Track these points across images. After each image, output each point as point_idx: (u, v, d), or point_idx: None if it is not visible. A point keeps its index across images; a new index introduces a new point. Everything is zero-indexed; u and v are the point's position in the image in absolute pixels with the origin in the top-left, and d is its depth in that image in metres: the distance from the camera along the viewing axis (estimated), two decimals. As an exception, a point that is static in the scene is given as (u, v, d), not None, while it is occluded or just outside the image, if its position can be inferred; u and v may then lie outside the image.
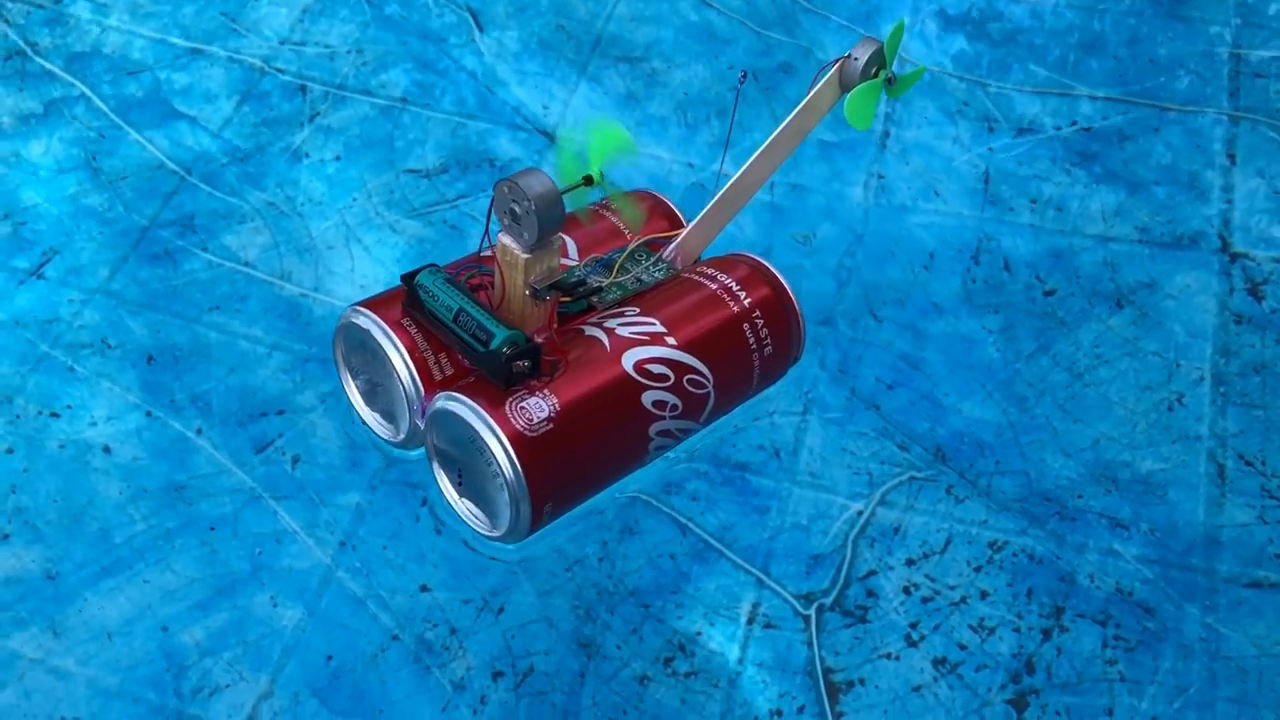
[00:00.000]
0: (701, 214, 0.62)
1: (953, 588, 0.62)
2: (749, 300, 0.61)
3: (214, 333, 0.72)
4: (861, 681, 0.59)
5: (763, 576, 0.63)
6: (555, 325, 0.59)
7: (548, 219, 0.55)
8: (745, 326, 0.60)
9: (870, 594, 0.62)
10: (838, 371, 0.71)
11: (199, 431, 0.67)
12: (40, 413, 0.68)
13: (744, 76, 0.69)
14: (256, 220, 0.78)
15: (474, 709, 0.58)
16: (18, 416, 0.67)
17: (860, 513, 0.65)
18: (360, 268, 0.76)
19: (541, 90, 0.87)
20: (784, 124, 0.61)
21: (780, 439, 0.68)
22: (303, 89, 0.85)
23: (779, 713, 0.58)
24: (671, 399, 0.58)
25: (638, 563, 0.63)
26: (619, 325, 0.59)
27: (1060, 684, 0.59)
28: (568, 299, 0.59)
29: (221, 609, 0.61)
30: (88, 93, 0.84)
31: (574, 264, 0.63)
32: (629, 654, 0.60)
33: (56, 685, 0.58)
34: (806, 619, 0.61)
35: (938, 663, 0.59)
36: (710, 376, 0.59)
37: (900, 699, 0.58)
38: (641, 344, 0.58)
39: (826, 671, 0.59)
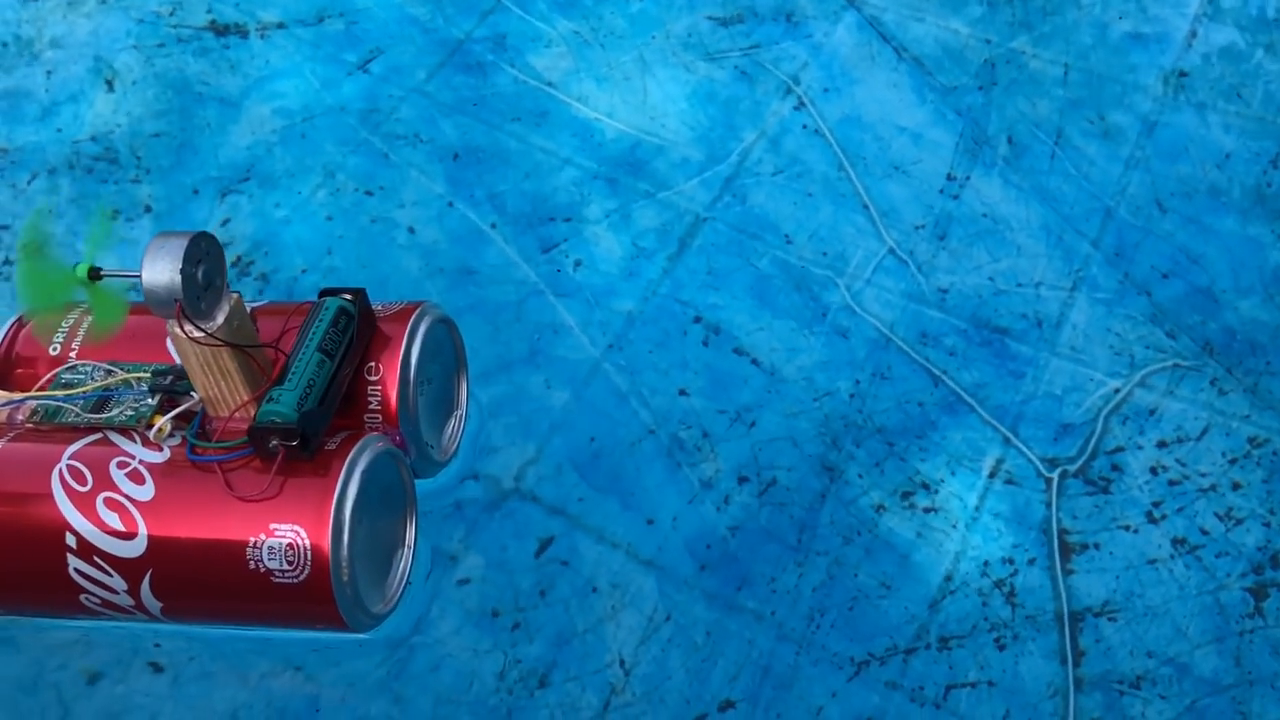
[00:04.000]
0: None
1: (1203, 475, 0.62)
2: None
3: (514, 141, 0.77)
4: (1096, 546, 0.60)
5: (1010, 435, 0.64)
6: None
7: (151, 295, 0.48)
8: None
9: (1116, 468, 0.62)
10: (1113, 254, 0.70)
11: (493, 226, 0.73)
12: (357, 189, 0.74)
13: None
14: (562, 46, 0.82)
15: (718, 506, 0.62)
16: (338, 190, 0.74)
17: (1117, 390, 0.65)
18: (651, 100, 0.79)
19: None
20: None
21: (1044, 310, 0.68)
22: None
23: (1010, 561, 0.60)
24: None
25: (887, 404, 0.65)
26: None
27: (1301, 586, 0.59)
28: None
29: (500, 382, 0.67)
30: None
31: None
32: (869, 484, 0.63)
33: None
34: (1048, 481, 0.62)
35: (1177, 542, 0.60)
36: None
37: (1134, 568, 0.59)
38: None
39: (1062, 532, 0.61)
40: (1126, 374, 0.66)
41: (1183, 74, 0.80)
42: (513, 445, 0.64)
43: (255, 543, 0.49)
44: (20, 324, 0.57)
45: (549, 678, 0.56)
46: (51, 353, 0.56)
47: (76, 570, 0.50)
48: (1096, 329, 0.68)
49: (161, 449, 0.51)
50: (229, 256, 0.70)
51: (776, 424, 0.65)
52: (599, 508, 0.62)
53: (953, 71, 0.82)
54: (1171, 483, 0.62)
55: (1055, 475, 0.62)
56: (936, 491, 0.62)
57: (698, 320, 0.69)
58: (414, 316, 0.56)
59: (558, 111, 0.79)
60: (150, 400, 0.53)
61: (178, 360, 0.52)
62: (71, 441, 0.52)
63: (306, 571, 0.48)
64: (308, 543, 0.48)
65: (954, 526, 0.61)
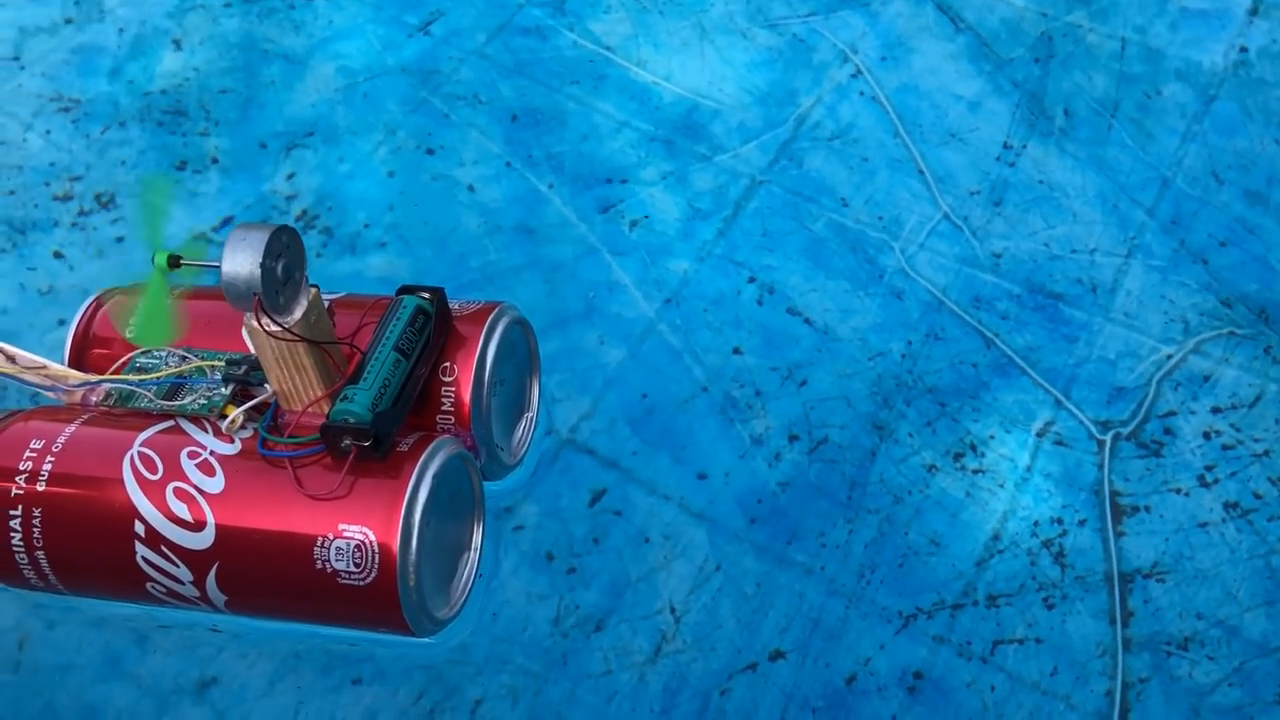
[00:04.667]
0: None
1: (1257, 440, 0.62)
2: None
3: (572, 103, 0.78)
4: (1147, 509, 0.60)
5: (1062, 398, 0.64)
6: None
7: (230, 289, 0.47)
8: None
9: (1168, 431, 0.63)
10: (1169, 223, 0.70)
11: (550, 186, 0.74)
12: (418, 148, 0.76)
13: None
14: (620, 11, 0.83)
15: (769, 462, 0.63)
16: (399, 148, 0.76)
17: (1170, 356, 0.65)
18: (709, 65, 0.80)
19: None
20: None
21: (1099, 276, 0.68)
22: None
23: (1059, 521, 0.60)
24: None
25: (939, 364, 0.66)
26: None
27: (1352, 554, 0.59)
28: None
29: (555, 338, 0.68)
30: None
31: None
32: (920, 444, 0.63)
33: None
34: (1100, 443, 0.63)
35: (1229, 506, 0.60)
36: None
37: (1184, 531, 0.59)
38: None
39: (1113, 493, 0.61)
40: (1180, 340, 0.66)
41: (1243, 49, 0.80)
42: (568, 399, 0.65)
43: (323, 542, 0.48)
44: (98, 304, 0.57)
45: (604, 623, 0.58)
46: (127, 336, 0.55)
47: (144, 559, 0.50)
48: (1151, 295, 0.68)
49: (233, 441, 0.51)
50: (294, 210, 0.72)
51: (829, 383, 0.66)
52: (651, 461, 0.63)
53: (1009, 44, 0.82)
54: (1225, 447, 0.62)
55: (1107, 438, 0.63)
56: (986, 453, 0.63)
57: (752, 280, 0.70)
58: (490, 317, 0.55)
59: (616, 75, 0.80)
60: (223, 390, 0.52)
61: (252, 350, 0.51)
62: (144, 428, 0.51)
63: (374, 574, 0.48)
64: (376, 545, 0.47)
65: (1003, 486, 0.61)
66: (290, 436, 0.50)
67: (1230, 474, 0.61)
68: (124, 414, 0.53)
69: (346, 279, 0.69)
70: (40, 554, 0.51)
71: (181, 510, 0.49)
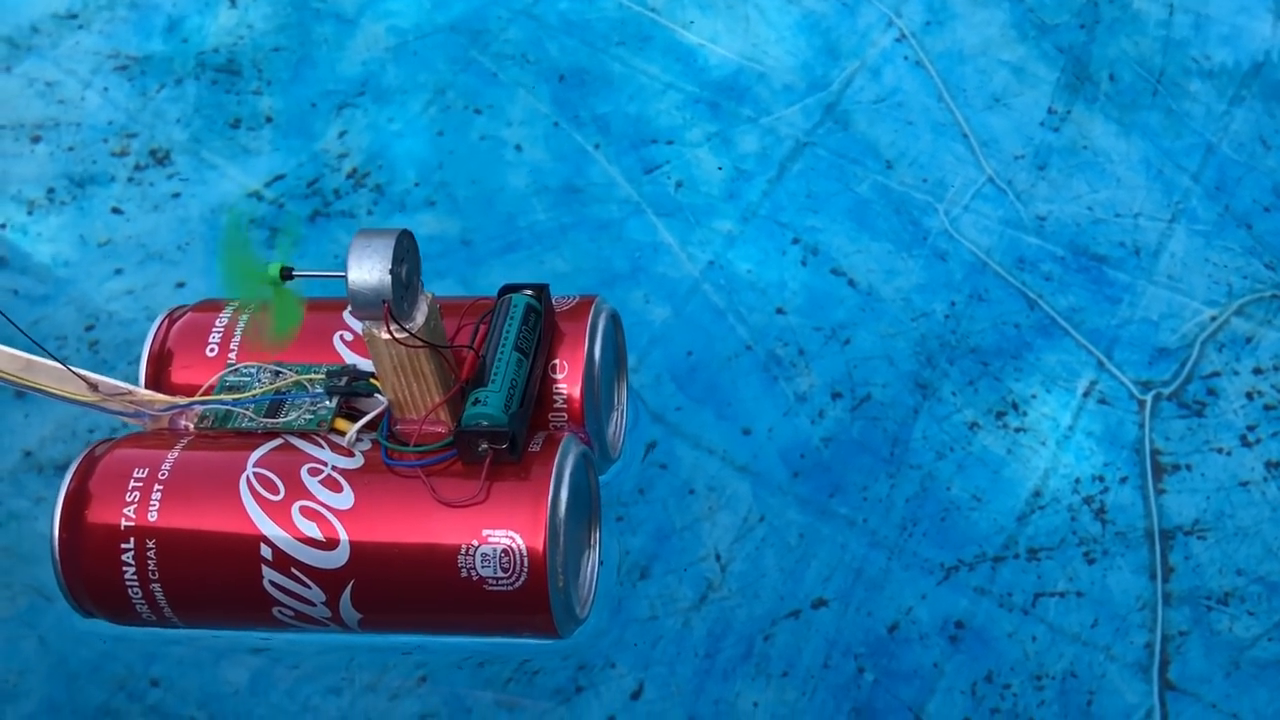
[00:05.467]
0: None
1: (1299, 401, 0.62)
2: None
3: (618, 65, 0.79)
4: (1189, 467, 0.61)
5: (1104, 359, 0.65)
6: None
7: (357, 296, 0.46)
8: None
9: (1211, 392, 0.63)
10: (1213, 188, 0.71)
11: (596, 147, 0.75)
12: (466, 107, 0.77)
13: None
14: (665, -26, 0.84)
15: (812, 419, 0.64)
16: (448, 107, 0.77)
17: (1213, 318, 0.66)
18: (754, 28, 0.80)
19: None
20: None
21: (1142, 240, 0.69)
22: None
23: (1101, 479, 0.61)
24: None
25: (982, 325, 0.67)
26: None
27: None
28: None
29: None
30: None
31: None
32: (963, 402, 0.64)
33: (462, 328, 0.68)
34: (1142, 403, 0.63)
35: (1270, 465, 0.60)
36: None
37: (1225, 489, 0.60)
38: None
39: (1155, 452, 0.62)
40: (1224, 302, 0.66)
41: (1290, 14, 0.80)
42: (614, 354, 0.67)
43: (467, 550, 0.46)
44: (171, 321, 0.55)
45: (649, 570, 0.59)
46: (208, 355, 0.54)
47: (272, 583, 0.47)
48: (1195, 259, 0.68)
49: (354, 454, 0.48)
50: (344, 168, 0.73)
51: (872, 342, 0.66)
52: (695, 417, 0.64)
53: (1054, 9, 0.82)
54: (1267, 408, 0.62)
55: (1149, 398, 0.63)
56: (1028, 411, 0.63)
57: (796, 241, 0.70)
58: (592, 312, 0.54)
59: (661, 37, 0.80)
60: (327, 402, 0.50)
61: (347, 360, 0.51)
62: (252, 448, 0.49)
63: (523, 578, 0.46)
64: (524, 549, 0.46)
65: (1045, 444, 0.62)
66: (417, 445, 0.48)
67: (1272, 434, 0.62)
68: (225, 436, 0.51)
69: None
70: (156, 587, 0.48)
71: (311, 529, 0.47)
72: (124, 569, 0.48)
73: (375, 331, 0.46)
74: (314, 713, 0.55)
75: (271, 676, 0.56)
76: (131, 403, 0.52)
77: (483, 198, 0.73)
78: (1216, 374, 0.64)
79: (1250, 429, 0.62)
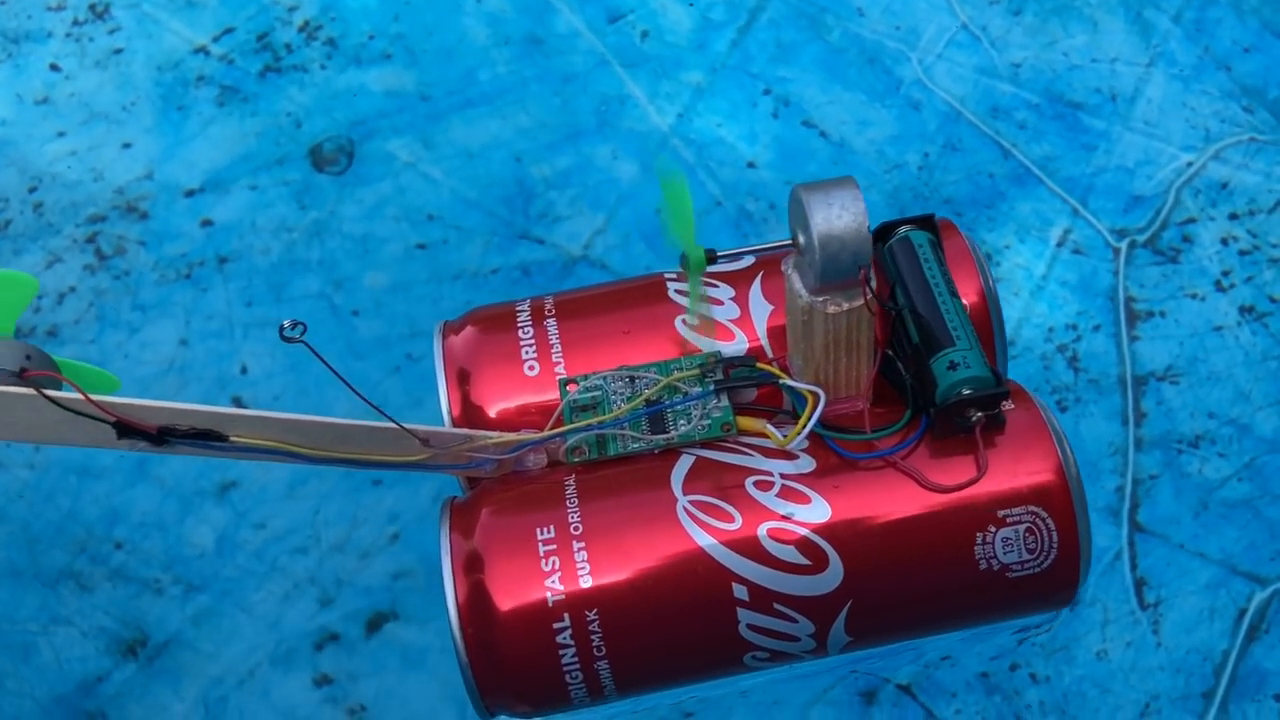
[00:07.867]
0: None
1: (1275, 245, 0.62)
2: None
3: (579, -88, 0.76)
4: (1162, 314, 0.60)
5: (1078, 206, 0.64)
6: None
7: (831, 262, 0.39)
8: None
9: (1186, 239, 0.62)
10: (1193, 29, 0.69)
11: (558, -3, 0.72)
12: (421, -42, 0.73)
13: None
14: None
15: (784, 273, 0.63)
16: (401, -42, 0.73)
17: (1190, 164, 0.64)
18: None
19: None
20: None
21: (1119, 85, 0.67)
22: None
23: (1074, 326, 0.60)
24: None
25: (956, 176, 0.65)
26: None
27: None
28: None
29: (567, 152, 0.67)
30: None
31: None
32: (936, 253, 0.63)
33: (425, 188, 0.66)
34: (1116, 250, 0.62)
35: (1244, 310, 0.60)
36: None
37: (1199, 334, 0.60)
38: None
39: (1128, 299, 0.61)
40: (1200, 147, 0.65)
41: None
42: (580, 215, 0.65)
43: (985, 538, 0.40)
44: (459, 343, 0.46)
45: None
46: (527, 373, 0.44)
47: (750, 626, 0.40)
48: (1172, 103, 0.67)
49: (795, 455, 0.41)
50: (295, 21, 0.70)
51: (844, 195, 0.65)
52: (666, 274, 0.63)
53: None
54: (1242, 253, 0.62)
55: (1123, 245, 0.62)
56: (1002, 262, 0.62)
57: (767, 93, 0.68)
58: (961, 235, 0.47)
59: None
60: (718, 401, 0.43)
61: (698, 345, 0.44)
62: (661, 475, 0.42)
63: (1052, 556, 0.40)
64: (1051, 524, 0.40)
65: (1018, 295, 0.61)
66: (875, 430, 0.42)
67: (1246, 279, 0.61)
68: (609, 466, 0.42)
69: (351, 94, 0.68)
70: (602, 664, 0.40)
71: (790, 554, 0.40)
72: (561, 653, 0.40)
73: (817, 305, 0.39)
74: (282, 573, 0.55)
75: (237, 538, 0.55)
76: (472, 451, 0.43)
77: (441, 50, 0.70)
78: (1192, 220, 0.63)
79: (1225, 274, 0.61)
